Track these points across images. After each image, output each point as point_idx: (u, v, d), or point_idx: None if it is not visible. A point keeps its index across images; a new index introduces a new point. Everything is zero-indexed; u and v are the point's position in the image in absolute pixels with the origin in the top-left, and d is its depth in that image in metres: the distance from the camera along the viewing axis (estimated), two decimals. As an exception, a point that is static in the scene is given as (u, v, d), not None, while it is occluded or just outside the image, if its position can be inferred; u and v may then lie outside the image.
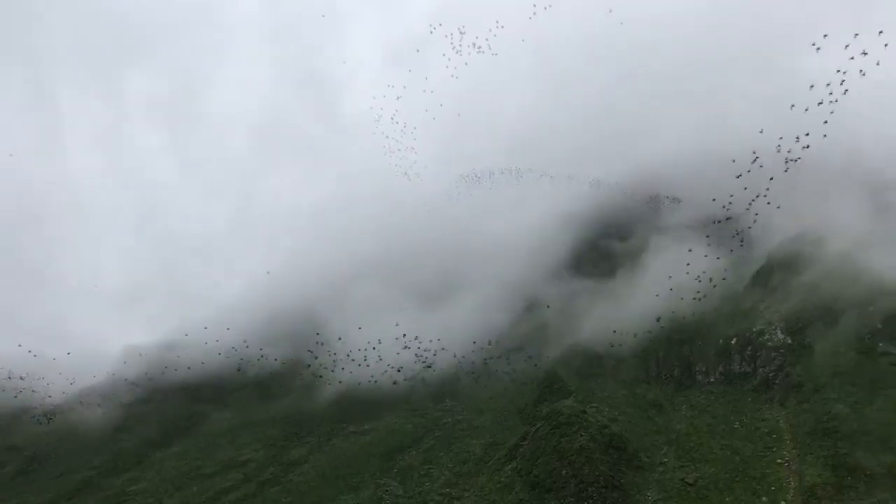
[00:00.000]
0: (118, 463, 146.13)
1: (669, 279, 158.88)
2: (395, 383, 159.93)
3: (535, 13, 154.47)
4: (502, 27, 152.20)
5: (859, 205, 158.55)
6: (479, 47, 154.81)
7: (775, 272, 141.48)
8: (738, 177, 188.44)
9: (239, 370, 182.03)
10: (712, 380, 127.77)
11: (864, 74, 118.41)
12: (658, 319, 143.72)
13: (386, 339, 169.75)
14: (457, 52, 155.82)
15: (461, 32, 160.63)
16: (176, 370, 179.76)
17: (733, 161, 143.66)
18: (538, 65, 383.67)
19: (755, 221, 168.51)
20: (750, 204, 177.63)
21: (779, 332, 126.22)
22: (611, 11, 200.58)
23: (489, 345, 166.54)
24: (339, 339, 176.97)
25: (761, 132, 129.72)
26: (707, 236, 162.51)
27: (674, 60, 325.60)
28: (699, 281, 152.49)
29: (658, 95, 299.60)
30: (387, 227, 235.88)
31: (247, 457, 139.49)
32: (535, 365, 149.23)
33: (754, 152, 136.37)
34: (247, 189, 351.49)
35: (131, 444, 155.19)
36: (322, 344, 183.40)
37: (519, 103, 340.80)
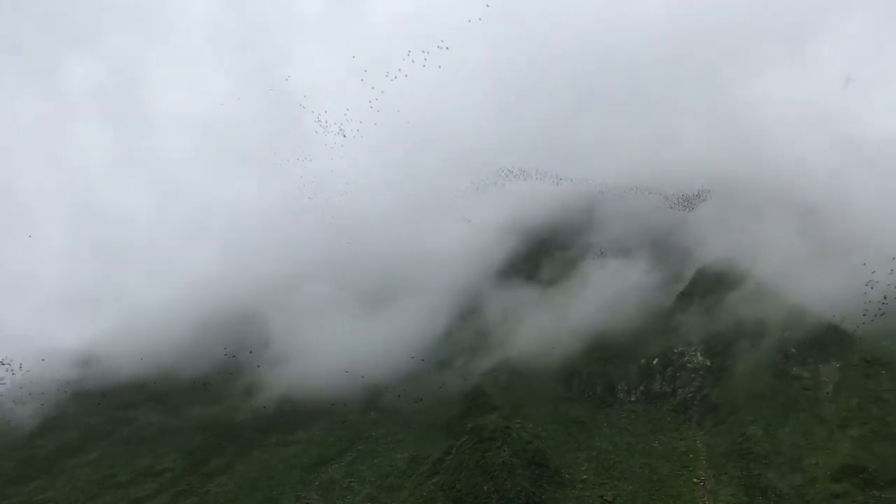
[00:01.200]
0: (28, 470, 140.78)
1: (600, 295, 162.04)
2: (323, 392, 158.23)
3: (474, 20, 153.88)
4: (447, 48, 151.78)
5: (786, 229, 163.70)
6: (426, 63, 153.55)
7: (699, 293, 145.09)
8: (680, 206, 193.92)
9: (165, 375, 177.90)
10: (633, 399, 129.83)
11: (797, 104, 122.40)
12: (585, 336, 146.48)
13: (323, 345, 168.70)
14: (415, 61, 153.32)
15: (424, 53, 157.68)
16: (99, 374, 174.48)
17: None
18: (486, 76, 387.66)
19: (689, 241, 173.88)
20: (684, 223, 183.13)
21: (699, 353, 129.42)
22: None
23: (421, 357, 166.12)
24: (273, 345, 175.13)
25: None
26: (643, 252, 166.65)
27: (624, 84, 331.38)
28: (629, 298, 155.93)
29: (604, 114, 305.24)
30: (333, 230, 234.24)
31: (165, 466, 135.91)
32: (464, 378, 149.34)
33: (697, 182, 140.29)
34: (191, 192, 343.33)
35: (45, 451, 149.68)
36: (251, 352, 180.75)
37: (469, 112, 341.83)
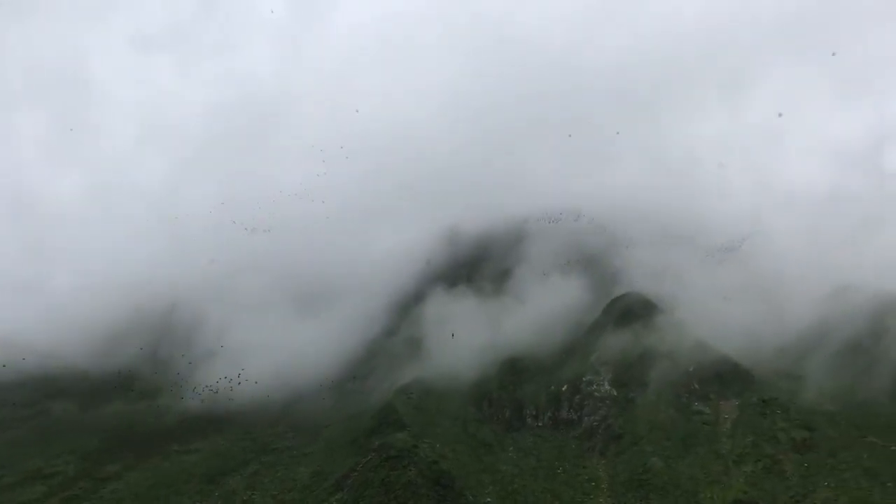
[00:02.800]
0: None
1: (522, 316, 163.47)
2: (231, 400, 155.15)
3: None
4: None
5: (706, 264, 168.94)
6: None
7: (612, 322, 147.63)
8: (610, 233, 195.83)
9: (80, 371, 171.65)
10: (541, 424, 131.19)
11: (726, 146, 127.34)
12: (502, 357, 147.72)
13: (251, 347, 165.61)
14: None
15: None
16: (10, 366, 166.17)
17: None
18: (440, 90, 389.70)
19: (613, 269, 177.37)
20: (612, 250, 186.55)
21: (606, 382, 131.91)
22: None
23: (343, 367, 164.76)
24: (198, 345, 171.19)
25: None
26: (570, 276, 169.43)
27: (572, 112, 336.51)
28: (548, 321, 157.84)
29: (546, 137, 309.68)
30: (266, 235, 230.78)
31: (56, 469, 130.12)
32: (378, 393, 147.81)
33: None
34: (123, 185, 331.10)
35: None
36: (178, 353, 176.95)
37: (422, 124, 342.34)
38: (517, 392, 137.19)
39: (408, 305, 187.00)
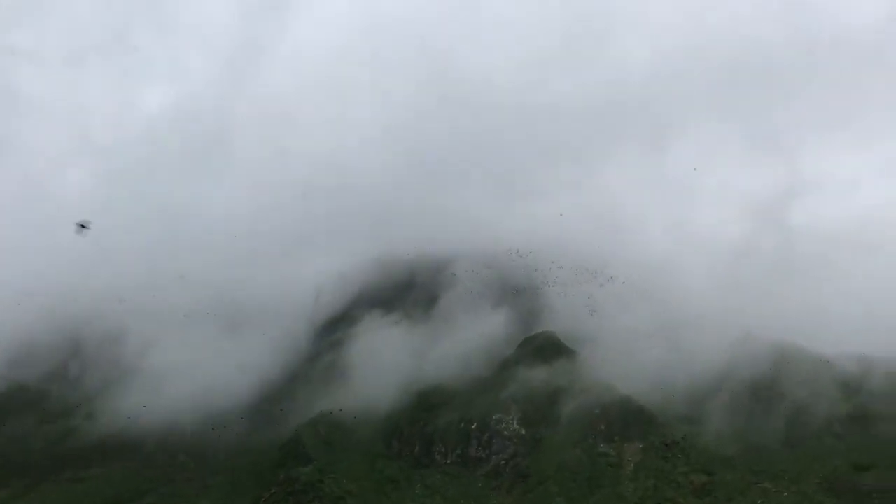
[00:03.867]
0: None
1: (438, 350, 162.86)
2: (140, 425, 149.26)
3: None
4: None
5: (622, 307, 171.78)
6: None
7: (523, 361, 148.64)
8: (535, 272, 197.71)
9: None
10: (449, 461, 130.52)
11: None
12: (414, 391, 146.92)
13: (163, 371, 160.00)
14: None
15: None
16: None
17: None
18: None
19: (534, 308, 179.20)
20: (535, 289, 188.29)
21: (515, 421, 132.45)
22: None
23: (257, 395, 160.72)
24: (109, 366, 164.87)
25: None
26: (489, 314, 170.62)
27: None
28: (462, 360, 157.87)
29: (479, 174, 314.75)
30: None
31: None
32: (287, 424, 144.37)
33: None
34: (45, 197, 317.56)
35: None
36: (70, 376, 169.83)
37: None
38: (427, 427, 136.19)
39: (331, 331, 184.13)
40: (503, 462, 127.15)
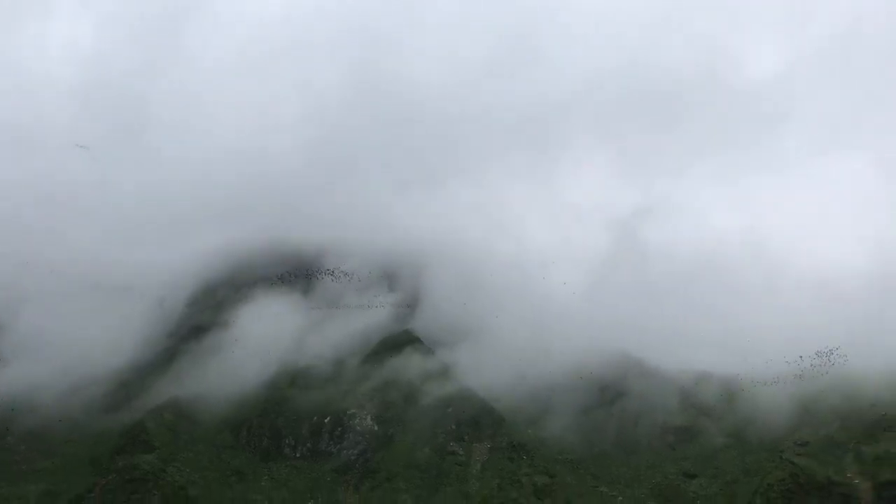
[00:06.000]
0: None
1: (310, 340, 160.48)
2: None
3: None
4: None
5: (481, 312, 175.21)
6: None
7: (382, 358, 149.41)
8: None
9: None
10: (298, 455, 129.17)
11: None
12: (268, 382, 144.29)
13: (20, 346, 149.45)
14: None
15: None
16: None
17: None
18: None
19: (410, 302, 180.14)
20: (399, 283, 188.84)
21: (369, 417, 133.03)
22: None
23: (112, 375, 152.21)
24: None
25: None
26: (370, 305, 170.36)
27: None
28: (326, 350, 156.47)
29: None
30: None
31: None
32: (123, 411, 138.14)
33: None
34: None
35: None
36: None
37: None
38: (279, 419, 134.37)
39: (202, 315, 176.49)
40: (353, 457, 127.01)
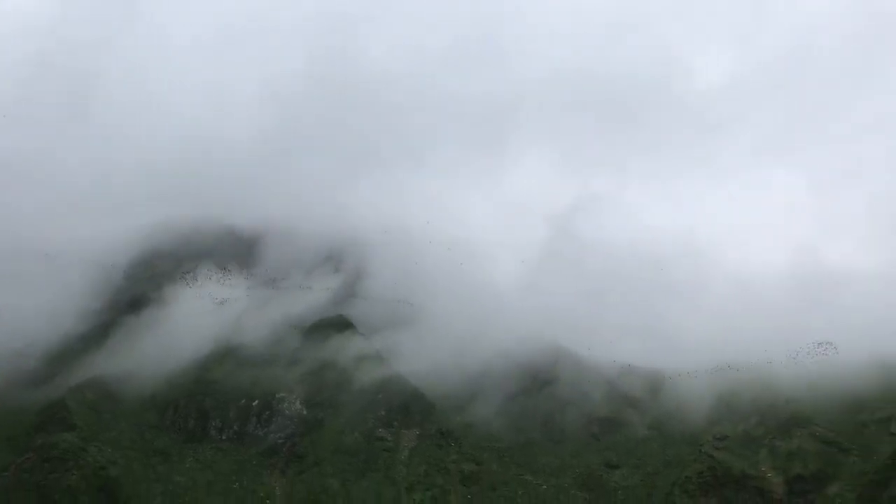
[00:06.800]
0: None
1: (245, 319, 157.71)
2: None
3: None
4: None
5: (417, 300, 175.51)
6: None
7: (312, 342, 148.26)
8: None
9: None
10: (225, 437, 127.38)
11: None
12: (198, 362, 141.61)
13: None
14: None
15: None
16: None
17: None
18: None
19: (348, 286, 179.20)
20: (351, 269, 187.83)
21: (297, 402, 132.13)
22: None
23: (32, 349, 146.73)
24: None
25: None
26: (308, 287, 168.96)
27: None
28: (260, 332, 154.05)
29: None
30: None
31: None
32: (46, 387, 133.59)
33: None
34: None
35: None
36: None
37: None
38: (206, 401, 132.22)
39: (139, 291, 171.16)
40: (280, 441, 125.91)
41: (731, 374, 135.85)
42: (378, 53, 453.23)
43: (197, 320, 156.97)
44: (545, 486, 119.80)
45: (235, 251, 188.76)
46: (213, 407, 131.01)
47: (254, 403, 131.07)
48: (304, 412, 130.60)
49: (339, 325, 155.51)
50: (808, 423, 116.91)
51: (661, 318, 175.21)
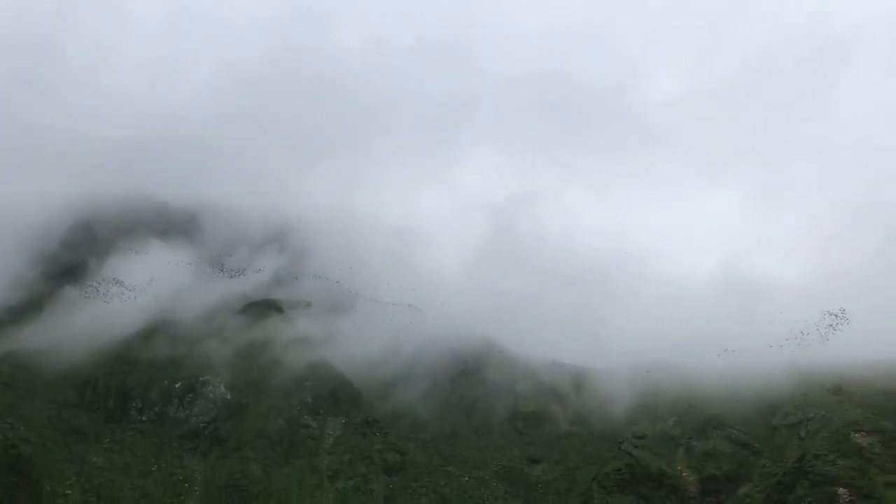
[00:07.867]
0: None
1: (158, 300, 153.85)
2: None
3: None
4: None
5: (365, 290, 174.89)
6: None
7: (242, 326, 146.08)
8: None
9: None
10: (145, 418, 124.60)
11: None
12: (119, 339, 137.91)
13: None
14: None
15: None
16: None
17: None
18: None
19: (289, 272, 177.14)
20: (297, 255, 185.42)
21: (222, 386, 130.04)
22: None
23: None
24: None
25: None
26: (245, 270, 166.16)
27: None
28: (185, 311, 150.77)
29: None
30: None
31: None
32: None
33: None
34: None
35: None
36: None
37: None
38: (128, 380, 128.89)
39: (76, 251, 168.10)
40: (203, 425, 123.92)
41: (653, 374, 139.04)
42: (341, 45, 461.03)
43: (133, 294, 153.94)
44: (467, 478, 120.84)
45: (179, 227, 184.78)
46: (134, 386, 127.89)
47: (177, 385, 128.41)
48: (228, 396, 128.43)
49: (274, 307, 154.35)
50: (723, 425, 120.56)
51: (590, 317, 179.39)
